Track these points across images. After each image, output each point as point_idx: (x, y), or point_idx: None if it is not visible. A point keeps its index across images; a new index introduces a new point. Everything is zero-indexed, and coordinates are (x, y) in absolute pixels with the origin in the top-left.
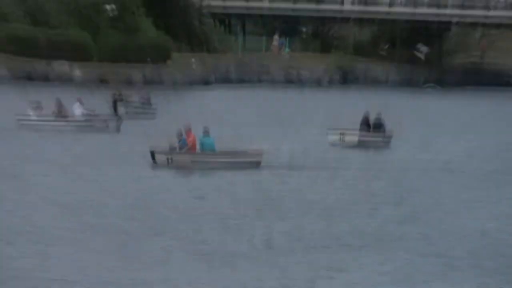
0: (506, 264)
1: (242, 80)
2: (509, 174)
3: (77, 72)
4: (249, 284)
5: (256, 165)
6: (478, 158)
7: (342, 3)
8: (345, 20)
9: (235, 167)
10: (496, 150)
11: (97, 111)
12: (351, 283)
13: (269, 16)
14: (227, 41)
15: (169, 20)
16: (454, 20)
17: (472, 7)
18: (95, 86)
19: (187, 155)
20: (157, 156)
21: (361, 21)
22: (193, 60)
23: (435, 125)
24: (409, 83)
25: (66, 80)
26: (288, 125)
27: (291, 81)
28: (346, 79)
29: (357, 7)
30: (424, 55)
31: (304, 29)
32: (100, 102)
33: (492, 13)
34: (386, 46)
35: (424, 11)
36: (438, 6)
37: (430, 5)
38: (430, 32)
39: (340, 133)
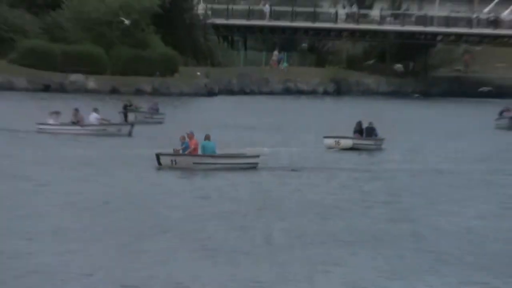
0: (490, 259)
1: (243, 91)
2: (493, 175)
3: (92, 83)
4: (250, 278)
5: (254, 166)
6: (464, 161)
7: (336, 20)
8: (339, 36)
9: (234, 168)
10: (480, 154)
11: (111, 119)
12: (346, 277)
13: (269, 32)
14: (230, 55)
15: (176, 37)
16: (439, 36)
17: (455, 25)
18: (107, 96)
19: (189, 158)
20: (162, 159)
21: (353, 37)
22: (198, 73)
23: (422, 131)
24: (398, 94)
25: (81, 91)
26: (287, 131)
27: (289, 92)
28: (340, 90)
29: (349, 25)
30: (400, 72)
31: (301, 45)
32: (112, 111)
33: (473, 30)
34: (372, 61)
35: (412, 28)
36: (424, 23)
37: (417, 23)
38: (417, 47)
39: (336, 138)
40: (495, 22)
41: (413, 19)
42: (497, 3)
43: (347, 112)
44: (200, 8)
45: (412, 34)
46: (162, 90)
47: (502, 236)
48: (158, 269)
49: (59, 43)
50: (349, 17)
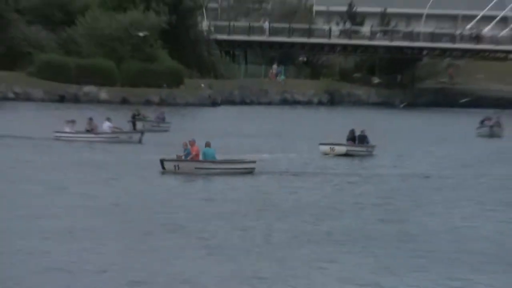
0: (474, 256)
1: (244, 101)
2: (475, 179)
3: (103, 94)
4: (251, 274)
5: (251, 171)
6: (449, 166)
7: (329, 36)
8: (332, 51)
9: (232, 173)
10: (463, 160)
11: (123, 127)
12: (340, 273)
13: (268, 47)
14: (231, 68)
15: (182, 51)
16: (425, 51)
17: (440, 40)
18: (118, 106)
19: (191, 163)
20: (166, 164)
21: (345, 52)
22: (202, 84)
23: (410, 139)
24: (386, 104)
25: (94, 101)
26: (285, 139)
27: (286, 102)
28: (333, 101)
29: (342, 40)
30: (377, 84)
31: (297, 59)
32: (123, 120)
33: (457, 45)
34: (359, 74)
35: (399, 43)
36: (411, 39)
37: (404, 38)
38: (405, 61)
39: (331, 145)
40: (477, 38)
41: (401, 35)
42: (478, 20)
43: (340, 121)
44: (204, 25)
45: (400, 49)
46: (169, 101)
47: (484, 235)
48: (166, 265)
49: (73, 57)
50: (342, 33)
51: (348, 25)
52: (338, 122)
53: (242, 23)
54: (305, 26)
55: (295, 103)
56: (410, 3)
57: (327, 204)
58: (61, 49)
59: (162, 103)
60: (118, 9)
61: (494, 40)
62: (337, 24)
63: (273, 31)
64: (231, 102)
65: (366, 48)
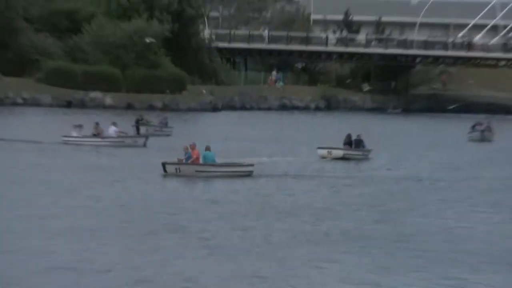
0: (466, 255)
1: (244, 107)
2: (467, 181)
3: (109, 100)
4: (251, 273)
5: (249, 174)
6: (441, 169)
7: (326, 44)
8: (329, 58)
9: (231, 176)
10: (455, 163)
11: (128, 131)
12: (337, 272)
13: (267, 55)
14: (232, 75)
15: (184, 58)
16: (418, 58)
17: (432, 48)
18: (123, 111)
19: (192, 166)
20: (167, 167)
21: (342, 59)
22: (204, 91)
23: (405, 143)
24: (381, 110)
25: (99, 107)
26: (283, 143)
27: (285, 108)
28: (330, 106)
29: (338, 48)
30: (366, 90)
31: (295, 66)
32: (127, 124)
33: (449, 52)
34: (349, 80)
35: (394, 51)
36: (405, 47)
37: (398, 46)
38: (399, 68)
39: (328, 149)
40: (468, 46)
41: (395, 43)
42: (470, 29)
43: (337, 126)
44: (206, 33)
45: (394, 56)
46: (172, 106)
47: (476, 235)
48: (167, 264)
49: (80, 64)
50: (338, 41)
51: (344, 33)
52: (334, 127)
53: (242, 31)
54: (303, 34)
55: (293, 108)
56: (404, 12)
57: (324, 206)
58: (68, 56)
59: (165, 108)
60: (122, 17)
61: (485, 47)
62: (334, 32)
63: (272, 39)
64: (231, 107)
65: (361, 55)
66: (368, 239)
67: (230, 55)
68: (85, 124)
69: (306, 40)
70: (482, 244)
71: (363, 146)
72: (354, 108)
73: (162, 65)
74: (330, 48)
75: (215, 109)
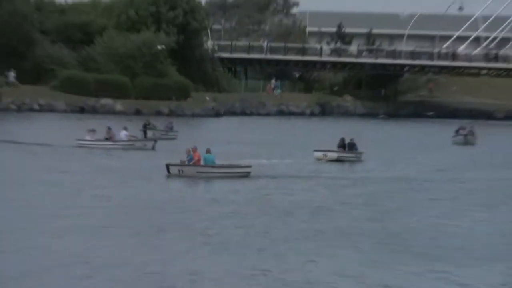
0: (452, 252)
1: (244, 112)
2: (451, 182)
3: (119, 106)
4: (252, 266)
5: (247, 175)
6: (428, 171)
7: (321, 54)
8: (323, 67)
9: (230, 176)
10: (440, 165)
11: (138, 135)
12: (332, 266)
13: (266, 64)
14: (233, 83)
15: (189, 68)
16: (406, 67)
17: (419, 58)
18: (132, 117)
19: (194, 167)
20: (171, 168)
21: (335, 68)
22: (207, 98)
23: (395, 146)
24: (371, 115)
25: (110, 112)
26: (281, 146)
27: (282, 113)
28: (324, 112)
29: (332, 58)
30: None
31: (292, 74)
32: (136, 129)
33: (435, 62)
34: (336, 88)
35: (383, 60)
36: (394, 56)
37: (387, 56)
38: (388, 76)
39: (324, 152)
40: (453, 56)
41: (384, 53)
42: (454, 40)
43: (331, 130)
44: (209, 44)
45: (383, 66)
46: (177, 112)
47: (460, 232)
48: (174, 259)
49: (92, 73)
50: (332, 51)
51: (337, 44)
52: (329, 131)
53: (243, 42)
54: (299, 45)
55: (290, 114)
56: (393, 24)
57: (320, 205)
58: (81, 66)
59: (172, 114)
60: (131, 30)
61: (468, 58)
62: (328, 43)
63: (270, 50)
64: (232, 113)
65: (353, 65)
66: (360, 236)
67: (231, 64)
68: (97, 128)
69: (302, 51)
70: (466, 240)
71: (356, 149)
72: (347, 114)
73: (168, 74)
74: (325, 58)
75: (217, 114)
